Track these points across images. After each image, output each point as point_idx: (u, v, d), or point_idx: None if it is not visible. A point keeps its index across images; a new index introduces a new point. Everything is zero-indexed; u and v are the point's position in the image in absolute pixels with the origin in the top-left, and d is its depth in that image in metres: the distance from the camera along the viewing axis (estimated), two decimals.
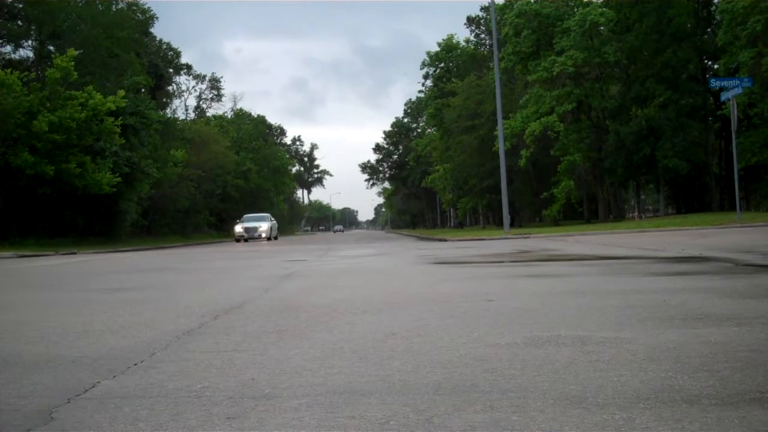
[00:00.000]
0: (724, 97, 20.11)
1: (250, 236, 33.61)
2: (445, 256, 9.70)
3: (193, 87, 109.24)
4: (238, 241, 33.61)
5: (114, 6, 36.30)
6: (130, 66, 34.84)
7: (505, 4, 40.12)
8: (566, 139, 37.18)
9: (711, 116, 38.12)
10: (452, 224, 68.97)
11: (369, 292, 4.91)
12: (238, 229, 34.52)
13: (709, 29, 38.19)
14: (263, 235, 33.89)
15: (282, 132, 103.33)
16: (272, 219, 37.41)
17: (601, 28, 36.78)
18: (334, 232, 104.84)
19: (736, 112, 19.45)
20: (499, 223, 40.07)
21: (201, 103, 71.73)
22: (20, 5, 33.18)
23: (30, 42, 34.35)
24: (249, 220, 36.14)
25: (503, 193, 24.30)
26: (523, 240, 16.14)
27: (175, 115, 58.24)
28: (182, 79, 68.43)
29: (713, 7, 37.30)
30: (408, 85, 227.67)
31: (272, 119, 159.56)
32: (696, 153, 35.05)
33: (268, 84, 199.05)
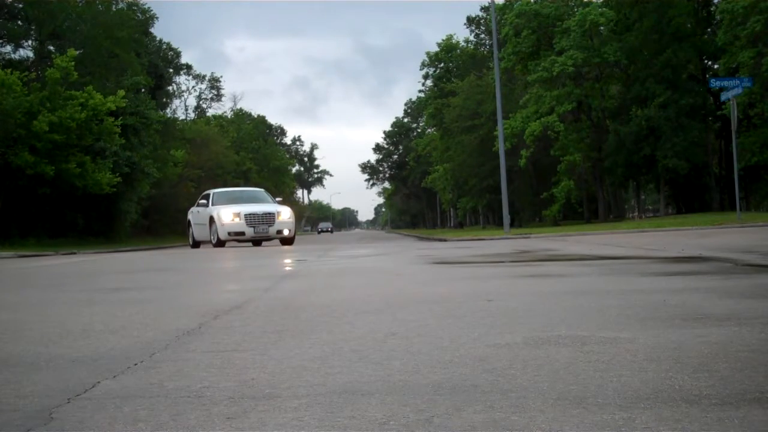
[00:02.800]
0: (724, 97, 20.12)
1: (260, 233, 17.90)
2: (445, 256, 9.69)
3: (193, 87, 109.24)
4: (218, 244, 17.91)
5: (114, 6, 36.33)
6: (130, 66, 34.86)
7: (505, 4, 40.16)
8: (566, 139, 37.20)
9: (711, 116, 38.13)
10: (452, 224, 69.00)
11: (369, 292, 4.91)
12: (230, 218, 17.70)
13: (709, 29, 38.20)
14: (285, 232, 18.27)
15: (282, 132, 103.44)
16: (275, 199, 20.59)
17: (601, 28, 36.79)
18: (319, 232, 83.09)
19: (736, 112, 19.46)
20: (499, 223, 40.10)
21: (201, 103, 71.73)
22: (20, 5, 33.21)
23: (30, 42, 34.39)
24: (239, 199, 19.30)
25: (503, 193, 24.31)
26: (523, 240, 16.14)
27: (175, 115, 58.30)
28: (182, 79, 68.48)
29: (713, 7, 37.30)
30: (411, 84, 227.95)
31: (275, 119, 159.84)
32: (696, 153, 35.06)
33: (271, 83, 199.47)
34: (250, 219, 17.92)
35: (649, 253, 8.02)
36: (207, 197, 19.88)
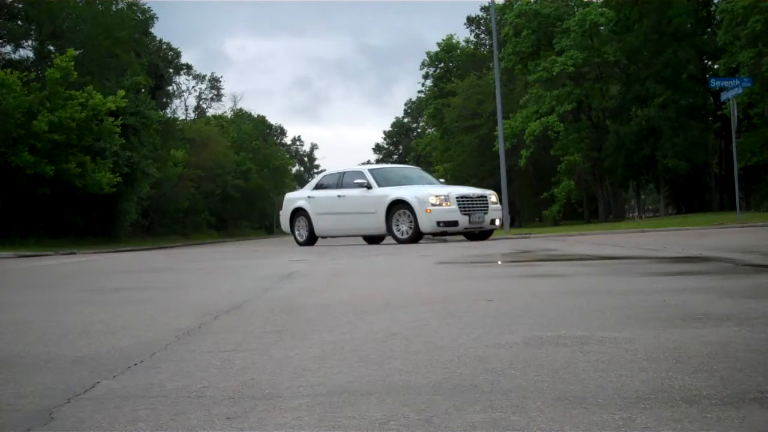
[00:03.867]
0: (724, 97, 20.11)
1: (476, 223, 14.00)
2: (445, 256, 9.69)
3: (193, 87, 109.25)
4: (413, 239, 13.93)
5: (114, 6, 36.38)
6: (130, 66, 34.90)
7: (505, 4, 40.19)
8: (566, 139, 37.24)
9: (711, 116, 38.17)
10: None
11: (369, 292, 4.91)
12: (436, 202, 13.72)
13: (709, 29, 38.23)
14: (497, 221, 14.72)
15: (282, 132, 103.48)
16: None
17: (601, 28, 36.83)
18: None
19: (736, 112, 19.45)
20: None
21: (201, 103, 71.76)
22: (20, 5, 33.24)
23: (30, 42, 34.42)
24: (408, 179, 15.48)
25: (503, 193, 24.24)
26: (524, 240, 16.13)
27: (175, 115, 58.33)
28: (182, 79, 68.50)
29: (713, 7, 37.34)
30: (412, 83, 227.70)
31: (275, 119, 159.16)
32: (696, 153, 35.08)
33: (272, 83, 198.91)
34: (464, 204, 13.85)
35: (649, 253, 8.02)
36: (360, 175, 15.22)
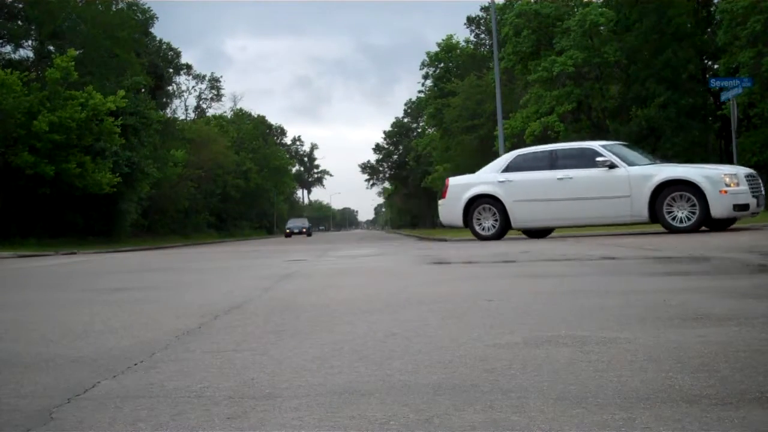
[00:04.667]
0: (724, 97, 20.10)
1: (760, 206, 12.63)
2: (445, 256, 9.69)
3: (193, 87, 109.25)
4: (697, 225, 12.13)
5: (114, 6, 36.41)
6: (130, 66, 34.95)
7: (505, 4, 40.17)
8: (566, 139, 37.20)
9: (711, 116, 38.12)
10: None
11: (369, 292, 4.91)
12: (729, 182, 11.84)
13: (709, 29, 38.20)
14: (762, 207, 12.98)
15: (282, 132, 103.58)
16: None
17: (601, 28, 36.81)
18: (288, 234, 54.37)
19: (736, 112, 19.44)
20: None
21: (201, 103, 71.75)
22: (20, 5, 33.26)
23: (30, 42, 34.44)
24: (642, 157, 13.74)
25: None
26: (523, 240, 16.12)
27: (175, 115, 58.33)
28: (182, 79, 68.53)
29: (713, 7, 37.31)
30: (412, 83, 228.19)
31: (276, 118, 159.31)
32: (696, 153, 35.04)
33: (272, 82, 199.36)
34: (752, 184, 12.13)
35: (649, 253, 8.02)
36: (593, 153, 13.07)
